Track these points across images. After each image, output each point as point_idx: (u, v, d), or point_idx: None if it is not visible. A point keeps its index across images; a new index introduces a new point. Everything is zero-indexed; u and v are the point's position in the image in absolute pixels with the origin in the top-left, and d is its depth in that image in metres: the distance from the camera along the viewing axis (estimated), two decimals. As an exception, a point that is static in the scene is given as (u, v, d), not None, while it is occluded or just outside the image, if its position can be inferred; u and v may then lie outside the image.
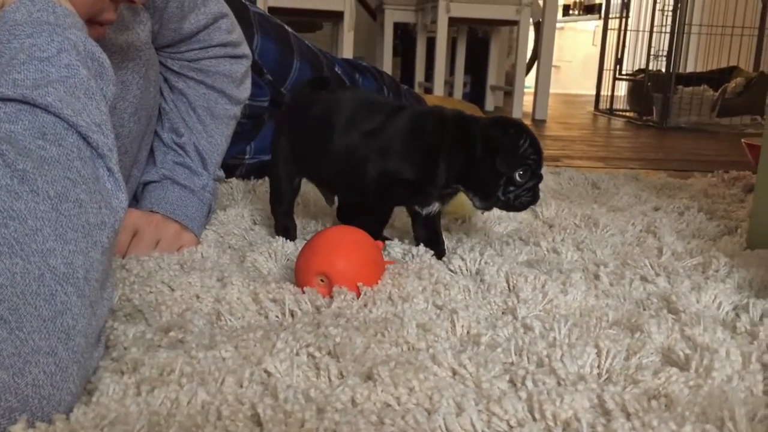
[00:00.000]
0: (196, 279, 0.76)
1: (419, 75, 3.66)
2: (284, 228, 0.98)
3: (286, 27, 1.45)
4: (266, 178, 1.31)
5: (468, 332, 0.67)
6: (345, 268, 0.75)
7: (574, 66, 7.01)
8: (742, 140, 1.83)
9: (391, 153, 0.86)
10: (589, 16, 6.69)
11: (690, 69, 4.26)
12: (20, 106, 0.52)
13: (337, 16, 2.87)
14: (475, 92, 3.89)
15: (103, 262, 0.53)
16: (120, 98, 0.87)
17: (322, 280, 0.75)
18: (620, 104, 3.93)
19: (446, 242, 0.95)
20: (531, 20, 3.32)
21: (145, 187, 0.97)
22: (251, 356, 0.58)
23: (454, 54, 3.79)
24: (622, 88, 3.98)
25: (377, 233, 0.90)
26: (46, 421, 0.46)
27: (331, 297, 0.74)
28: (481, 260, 0.87)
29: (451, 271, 0.86)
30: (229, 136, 1.05)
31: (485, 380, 0.56)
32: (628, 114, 3.75)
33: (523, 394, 0.52)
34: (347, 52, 2.76)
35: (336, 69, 1.53)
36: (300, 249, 0.79)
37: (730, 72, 3.59)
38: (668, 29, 3.37)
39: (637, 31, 3.92)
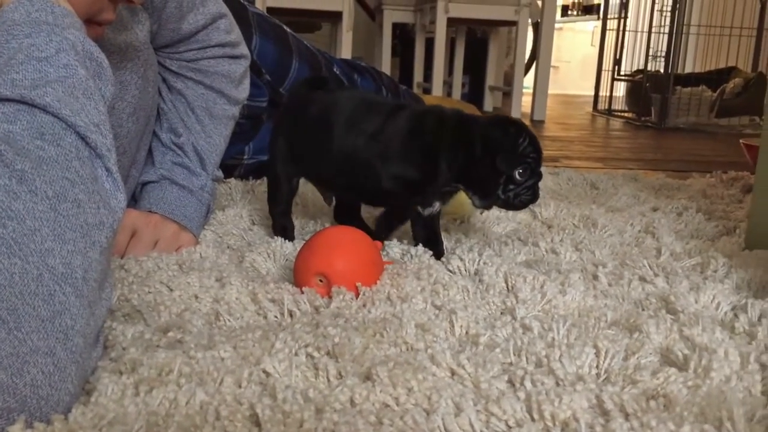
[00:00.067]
0: (195, 279, 0.76)
1: (418, 75, 3.66)
2: (282, 228, 0.98)
3: (285, 27, 1.45)
4: (265, 179, 1.31)
5: (467, 332, 0.67)
6: (344, 269, 0.75)
7: (573, 66, 7.01)
8: (741, 141, 1.83)
9: (393, 155, 0.87)
10: (587, 16, 6.70)
11: (688, 69, 4.27)
12: (18, 106, 0.52)
13: (335, 17, 2.87)
14: (474, 93, 3.89)
15: (102, 262, 0.53)
16: (118, 98, 0.87)
17: (320, 281, 0.75)
18: (619, 105, 3.93)
19: (445, 242, 0.95)
20: (530, 21, 3.32)
21: (143, 188, 0.96)
22: (250, 356, 0.58)
23: (452, 54, 3.79)
24: (620, 89, 3.99)
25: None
26: (45, 422, 0.46)
27: (330, 297, 0.74)
28: (479, 260, 0.87)
29: (450, 271, 0.86)
30: (227, 137, 1.05)
31: (484, 380, 0.56)
32: (626, 114, 3.76)
33: (522, 395, 0.52)
34: (346, 52, 2.76)
35: (335, 69, 1.53)
36: (299, 249, 0.79)
37: (728, 72, 3.60)
38: (667, 30, 3.38)
39: (636, 31, 3.93)
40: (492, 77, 3.85)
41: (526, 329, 0.66)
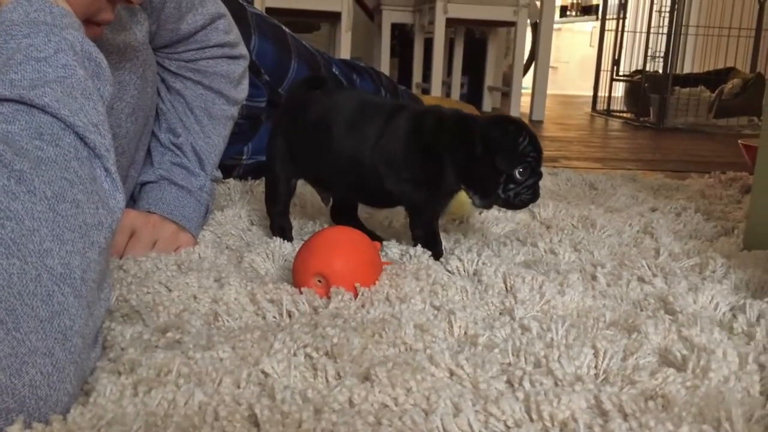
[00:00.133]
0: (194, 279, 0.76)
1: (417, 76, 3.66)
2: (280, 228, 0.98)
3: (284, 28, 1.45)
4: (263, 179, 1.31)
5: (465, 333, 0.67)
6: (342, 269, 0.75)
7: (572, 67, 7.01)
8: (739, 141, 1.83)
9: (396, 157, 0.87)
10: (586, 17, 6.70)
11: (687, 70, 4.27)
12: (17, 107, 0.52)
13: (334, 17, 2.87)
14: (473, 93, 3.89)
15: (101, 263, 0.53)
16: (117, 98, 0.87)
17: (319, 281, 0.75)
18: (617, 105, 3.93)
19: (444, 243, 0.95)
20: (528, 21, 3.32)
21: (142, 188, 0.96)
22: (248, 357, 0.58)
23: (451, 55, 3.79)
24: (619, 89, 3.99)
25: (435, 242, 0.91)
26: (43, 422, 0.46)
27: (329, 297, 0.74)
28: (478, 261, 0.87)
29: (449, 271, 0.86)
30: (226, 137, 1.05)
31: (482, 381, 0.56)
32: (625, 115, 3.76)
33: (521, 395, 0.52)
34: (345, 52, 2.76)
35: (333, 69, 1.53)
36: (297, 250, 0.79)
37: (727, 73, 3.60)
38: (665, 30, 3.38)
39: (635, 32, 3.93)
40: (491, 78, 3.85)
41: (525, 329, 0.66)
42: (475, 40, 3.92)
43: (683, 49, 4.10)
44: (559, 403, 0.50)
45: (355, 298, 0.74)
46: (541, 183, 0.89)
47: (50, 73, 0.55)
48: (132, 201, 0.97)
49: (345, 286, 0.74)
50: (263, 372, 0.56)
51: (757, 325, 0.69)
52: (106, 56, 0.61)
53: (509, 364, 0.60)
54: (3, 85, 0.53)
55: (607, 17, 3.93)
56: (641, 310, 0.75)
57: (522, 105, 3.34)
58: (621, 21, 3.80)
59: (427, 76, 3.47)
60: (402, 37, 3.90)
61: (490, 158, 0.84)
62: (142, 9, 0.89)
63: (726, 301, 0.76)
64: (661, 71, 3.42)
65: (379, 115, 0.89)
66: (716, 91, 3.37)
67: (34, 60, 0.55)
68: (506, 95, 3.51)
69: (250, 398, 0.51)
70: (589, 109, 4.07)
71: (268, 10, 2.54)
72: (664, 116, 3.28)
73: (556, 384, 0.56)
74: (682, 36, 3.46)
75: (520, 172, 0.85)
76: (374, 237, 0.95)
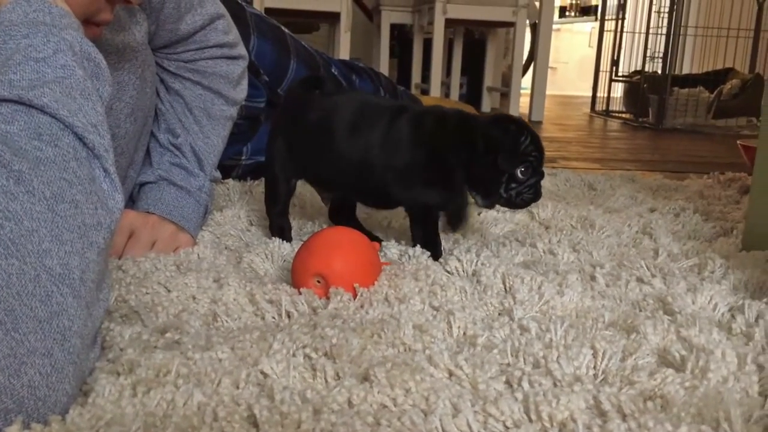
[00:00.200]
0: (193, 280, 0.76)
1: (416, 76, 3.66)
2: (279, 228, 0.98)
3: (283, 28, 1.45)
4: (263, 179, 1.31)
5: (464, 333, 0.67)
6: (341, 269, 0.75)
7: (571, 67, 7.02)
8: (738, 142, 1.83)
9: (401, 159, 0.87)
10: (585, 17, 6.70)
11: (686, 71, 4.27)
12: (16, 107, 0.52)
13: (333, 18, 2.87)
14: (472, 93, 3.89)
15: (99, 263, 0.53)
16: (116, 99, 0.87)
17: (318, 281, 0.75)
18: (616, 106, 3.94)
19: (443, 243, 0.95)
20: (527, 22, 3.32)
21: (141, 188, 0.96)
22: (248, 357, 0.58)
23: (450, 55, 3.79)
24: (618, 90, 3.99)
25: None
26: (42, 423, 0.45)
27: (328, 298, 0.74)
28: (477, 261, 0.87)
29: (448, 272, 0.86)
30: (225, 137, 1.05)
31: (481, 381, 0.56)
32: (624, 115, 3.76)
33: (520, 395, 0.52)
34: (344, 53, 2.77)
35: (332, 70, 1.53)
36: (296, 250, 0.79)
37: (725, 74, 3.60)
38: (664, 31, 3.38)
39: (633, 32, 3.93)
40: (490, 78, 3.85)
41: (524, 330, 0.66)
42: (474, 40, 3.92)
43: (682, 50, 4.10)
44: (558, 404, 0.50)
45: (354, 299, 0.74)
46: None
47: (49, 74, 0.55)
48: (131, 201, 0.97)
49: (344, 286, 0.74)
50: (262, 372, 0.56)
51: (756, 325, 0.69)
52: (105, 57, 0.61)
53: (508, 364, 0.60)
54: (2, 86, 0.53)
55: (606, 18, 3.94)
56: (640, 311, 0.75)
57: (521, 105, 3.35)
58: (620, 21, 3.80)
59: (426, 76, 3.47)
60: (401, 37, 3.90)
61: (492, 158, 0.84)
62: (141, 9, 0.89)
63: (725, 302, 0.76)
64: (660, 72, 3.42)
65: (382, 116, 0.89)
66: (715, 92, 3.38)
67: (33, 60, 0.55)
68: (505, 96, 3.52)
69: (249, 399, 0.51)
70: (588, 110, 4.07)
71: (267, 10, 2.54)
72: (663, 117, 3.28)
73: (555, 384, 0.56)
74: (680, 36, 3.46)
75: (521, 172, 0.85)
76: (373, 237, 0.95)
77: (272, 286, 0.75)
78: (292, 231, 1.00)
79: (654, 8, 3.52)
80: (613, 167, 1.96)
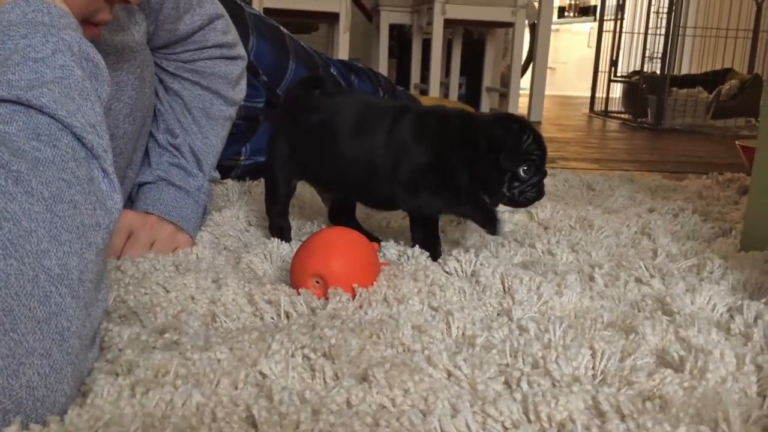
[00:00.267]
0: (191, 280, 0.76)
1: (415, 76, 3.66)
2: (279, 228, 0.98)
3: (282, 28, 1.45)
4: (262, 180, 1.31)
5: (463, 334, 0.67)
6: (340, 270, 0.75)
7: (569, 68, 7.02)
8: (737, 142, 1.83)
9: (404, 159, 0.87)
10: (584, 18, 6.70)
11: (684, 71, 4.27)
12: (15, 107, 0.52)
13: (332, 18, 2.87)
14: (471, 94, 3.89)
15: (98, 264, 0.53)
16: (115, 99, 0.87)
17: (317, 282, 0.75)
18: (615, 106, 3.94)
19: (442, 244, 0.95)
20: (526, 22, 3.32)
21: (140, 188, 0.96)
22: (246, 358, 0.58)
23: (449, 55, 3.78)
24: (617, 90, 3.99)
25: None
26: (40, 423, 0.45)
27: (327, 298, 0.74)
28: (476, 262, 0.87)
29: (447, 272, 0.86)
30: (224, 138, 1.05)
31: (480, 382, 0.56)
32: (623, 116, 3.76)
33: (518, 396, 0.52)
34: (343, 53, 2.76)
35: (331, 70, 1.53)
36: (295, 250, 0.79)
37: (724, 74, 3.60)
38: (663, 31, 3.39)
39: (632, 33, 3.93)
40: (489, 78, 3.85)
41: (523, 330, 0.66)
42: (473, 40, 3.92)
43: (681, 50, 4.10)
44: (557, 404, 0.50)
45: (353, 299, 0.74)
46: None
47: (48, 74, 0.55)
48: (130, 202, 0.97)
49: (343, 287, 0.74)
50: (261, 373, 0.56)
51: (755, 326, 0.69)
52: (103, 57, 0.61)
53: (507, 365, 0.60)
54: (0, 86, 0.53)
55: (605, 18, 3.94)
56: (639, 311, 0.75)
57: (520, 106, 3.35)
58: (619, 22, 3.81)
59: (425, 76, 3.47)
60: (400, 37, 3.90)
61: (495, 157, 0.84)
62: (140, 9, 0.89)
63: (723, 302, 0.76)
64: (658, 72, 3.42)
65: (385, 116, 0.89)
66: (714, 92, 3.38)
67: (31, 60, 0.55)
68: (504, 96, 3.52)
69: (248, 399, 0.51)
70: (586, 110, 4.07)
71: (266, 10, 2.54)
72: (662, 117, 3.28)
73: (553, 385, 0.56)
74: (679, 37, 3.46)
75: (524, 170, 0.85)
76: (372, 238, 0.95)
77: (271, 287, 0.75)
78: (291, 231, 1.00)
79: (653, 8, 3.53)
80: (612, 167, 1.96)
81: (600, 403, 0.52)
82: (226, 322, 0.69)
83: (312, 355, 0.60)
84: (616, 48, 3.85)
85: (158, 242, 0.90)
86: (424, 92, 3.37)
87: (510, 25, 3.27)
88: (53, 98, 0.54)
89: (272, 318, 0.70)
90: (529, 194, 0.87)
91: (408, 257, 0.89)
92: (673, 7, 3.28)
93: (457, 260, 0.87)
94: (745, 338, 0.67)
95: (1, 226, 0.46)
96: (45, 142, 0.52)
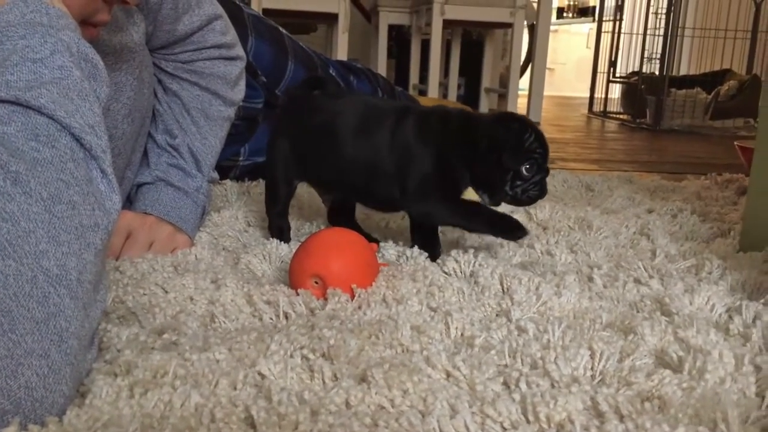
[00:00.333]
0: (190, 281, 0.76)
1: (414, 77, 3.66)
2: (278, 229, 0.98)
3: (281, 29, 1.45)
4: (261, 180, 1.31)
5: (462, 334, 0.67)
6: (339, 270, 0.75)
7: (568, 68, 7.02)
8: (735, 143, 1.83)
9: (407, 160, 0.87)
10: (583, 18, 6.71)
11: (683, 72, 4.28)
12: (13, 108, 0.52)
13: (331, 18, 2.87)
14: (470, 94, 3.89)
15: (97, 264, 0.53)
16: (114, 100, 0.87)
17: (316, 282, 0.75)
18: (614, 107, 3.94)
19: (440, 244, 0.95)
20: (525, 23, 3.32)
21: (138, 189, 0.96)
22: (245, 358, 0.58)
23: (448, 56, 3.79)
24: (615, 91, 4.00)
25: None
26: (39, 424, 0.45)
27: (326, 299, 0.74)
28: (475, 262, 0.87)
29: (446, 273, 0.86)
30: (223, 138, 1.05)
31: (479, 382, 0.56)
32: (621, 116, 3.77)
33: (517, 396, 0.52)
34: (342, 54, 2.76)
35: (330, 71, 1.53)
36: (294, 251, 0.79)
37: (723, 75, 3.61)
38: (662, 32, 3.39)
39: (631, 33, 3.94)
40: (488, 79, 3.86)
41: (522, 331, 0.66)
42: (472, 41, 3.92)
43: (679, 51, 4.10)
44: (556, 405, 0.50)
45: (352, 300, 0.74)
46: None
47: (46, 75, 0.55)
48: (128, 202, 0.97)
49: (342, 287, 0.74)
50: (260, 373, 0.56)
51: (753, 326, 0.69)
52: (102, 57, 0.61)
53: (506, 365, 0.60)
54: (-1, 87, 0.53)
55: (604, 19, 3.94)
56: (637, 312, 0.75)
57: (519, 106, 3.35)
58: (617, 23, 3.81)
59: (424, 77, 3.47)
60: (399, 38, 3.90)
61: (497, 156, 0.84)
62: (139, 10, 0.89)
63: (722, 303, 0.76)
64: (657, 73, 3.43)
65: (386, 117, 0.90)
66: (712, 93, 3.38)
67: (30, 61, 0.55)
68: (503, 97, 3.52)
69: (247, 400, 0.51)
70: (585, 111, 4.07)
71: (265, 11, 2.54)
72: (661, 118, 3.29)
73: (552, 385, 0.56)
74: (678, 38, 3.46)
75: (527, 169, 0.86)
76: (371, 239, 0.95)
77: (270, 287, 0.75)
78: (290, 232, 0.99)
79: (651, 9, 3.53)
80: (611, 168, 1.96)
81: (599, 404, 0.52)
82: (224, 322, 0.69)
83: (311, 356, 0.60)
84: (614, 49, 3.85)
85: (157, 243, 0.90)
86: (422, 93, 3.37)
87: (509, 25, 3.27)
88: (52, 99, 0.54)
89: (271, 318, 0.70)
90: (531, 192, 0.87)
91: (407, 258, 0.89)
92: (672, 8, 3.28)
93: (456, 261, 0.87)
94: (743, 339, 0.67)
95: (-1, 227, 0.46)
96: (43, 142, 0.52)
